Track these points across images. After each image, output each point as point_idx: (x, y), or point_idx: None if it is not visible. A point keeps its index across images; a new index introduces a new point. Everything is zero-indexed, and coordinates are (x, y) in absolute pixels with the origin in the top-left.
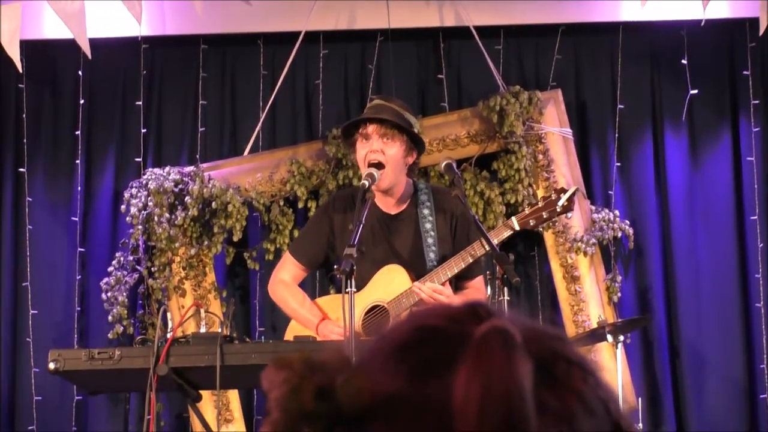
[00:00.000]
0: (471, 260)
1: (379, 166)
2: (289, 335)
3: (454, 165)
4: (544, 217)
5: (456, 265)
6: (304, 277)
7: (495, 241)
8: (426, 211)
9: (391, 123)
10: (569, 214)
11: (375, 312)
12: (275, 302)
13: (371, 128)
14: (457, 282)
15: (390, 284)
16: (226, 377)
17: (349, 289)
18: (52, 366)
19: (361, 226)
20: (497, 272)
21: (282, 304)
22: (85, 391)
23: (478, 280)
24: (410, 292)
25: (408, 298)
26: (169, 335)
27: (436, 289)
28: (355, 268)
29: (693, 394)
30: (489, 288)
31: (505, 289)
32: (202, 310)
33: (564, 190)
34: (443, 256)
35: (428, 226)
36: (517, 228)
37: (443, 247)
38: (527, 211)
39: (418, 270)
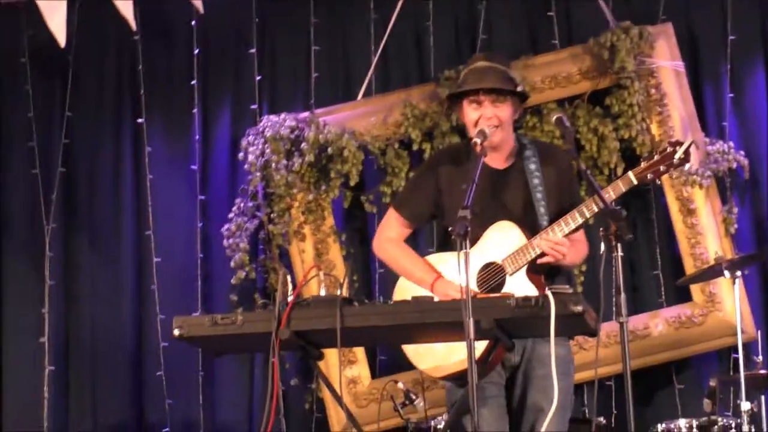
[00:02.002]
0: (587, 216)
1: None
2: (397, 294)
3: (565, 119)
4: (662, 170)
5: (573, 220)
6: (408, 234)
7: (613, 196)
8: (533, 166)
9: (502, 90)
10: (687, 166)
11: (489, 269)
12: (383, 260)
13: (483, 96)
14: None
15: (503, 241)
16: (346, 337)
17: (465, 251)
18: (176, 332)
19: (474, 185)
20: (610, 228)
21: (392, 263)
22: (210, 353)
23: (580, 233)
24: (526, 248)
25: (525, 254)
26: (290, 299)
27: (557, 242)
28: (469, 229)
29: None
30: (603, 244)
31: (618, 245)
32: (321, 273)
33: (680, 143)
34: (552, 210)
35: (536, 181)
36: (635, 183)
37: (552, 201)
38: (644, 165)
39: (529, 225)
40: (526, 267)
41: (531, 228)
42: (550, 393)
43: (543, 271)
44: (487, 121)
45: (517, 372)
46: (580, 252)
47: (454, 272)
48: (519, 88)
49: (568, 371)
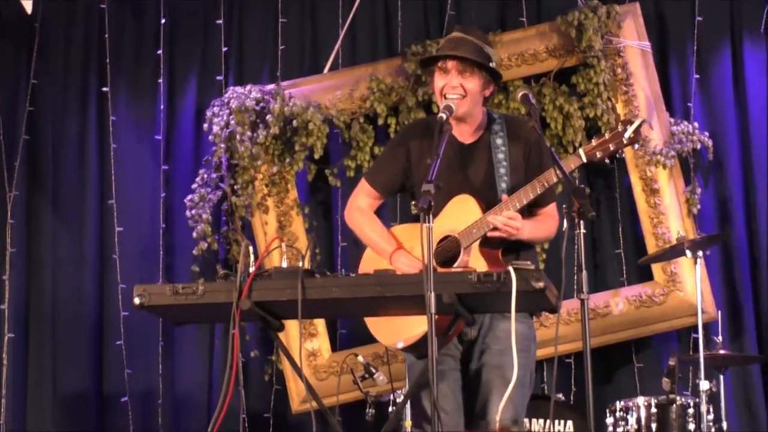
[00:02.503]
0: (543, 189)
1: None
2: (364, 264)
3: (531, 96)
4: (611, 149)
5: (529, 193)
6: (379, 204)
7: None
8: (499, 141)
9: (470, 61)
10: (636, 146)
11: (446, 241)
12: (351, 228)
13: (450, 64)
14: (530, 209)
15: (461, 214)
16: (307, 309)
17: (428, 225)
18: (137, 301)
19: (439, 160)
20: (573, 206)
21: (358, 231)
22: (170, 323)
23: (551, 207)
24: (481, 222)
25: (479, 229)
26: (251, 270)
27: (510, 217)
28: (432, 204)
29: None
30: (566, 221)
31: (581, 222)
32: (283, 244)
33: (630, 121)
34: (515, 185)
35: (501, 156)
36: (584, 160)
37: (515, 176)
38: (594, 143)
39: (489, 200)
40: (479, 241)
41: (490, 203)
42: (506, 369)
43: (499, 246)
44: (452, 90)
45: (474, 346)
46: (546, 227)
47: (419, 244)
48: (491, 64)
49: (527, 348)
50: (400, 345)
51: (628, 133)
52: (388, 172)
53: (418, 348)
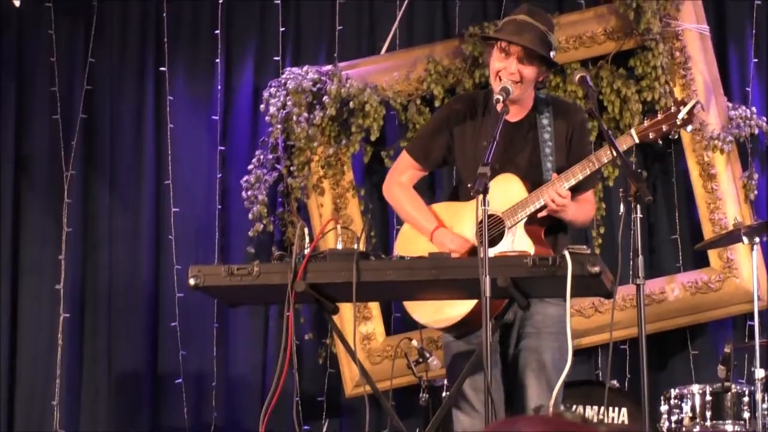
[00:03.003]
0: (594, 168)
1: None
2: (401, 240)
3: (588, 79)
4: (664, 130)
5: (579, 172)
6: (419, 179)
7: (613, 153)
8: (545, 121)
9: (533, 51)
10: (689, 128)
11: (490, 220)
12: (389, 202)
13: (512, 48)
14: (573, 192)
15: (505, 193)
16: (362, 292)
17: (485, 208)
18: (192, 282)
19: (495, 143)
20: (630, 189)
21: (397, 207)
22: (225, 304)
23: (590, 194)
24: (526, 202)
25: (523, 209)
26: (306, 251)
27: (559, 192)
28: (489, 186)
29: None
30: (622, 205)
31: (638, 206)
32: (338, 226)
33: (684, 103)
34: (560, 166)
35: (546, 135)
36: (636, 141)
37: (560, 157)
38: (647, 123)
39: (534, 179)
40: (524, 221)
41: (535, 182)
42: (543, 353)
43: (543, 227)
44: (509, 75)
45: (511, 330)
46: (585, 211)
47: (460, 223)
48: (552, 54)
49: (565, 330)
50: (441, 325)
51: (682, 114)
52: (430, 144)
53: (458, 328)
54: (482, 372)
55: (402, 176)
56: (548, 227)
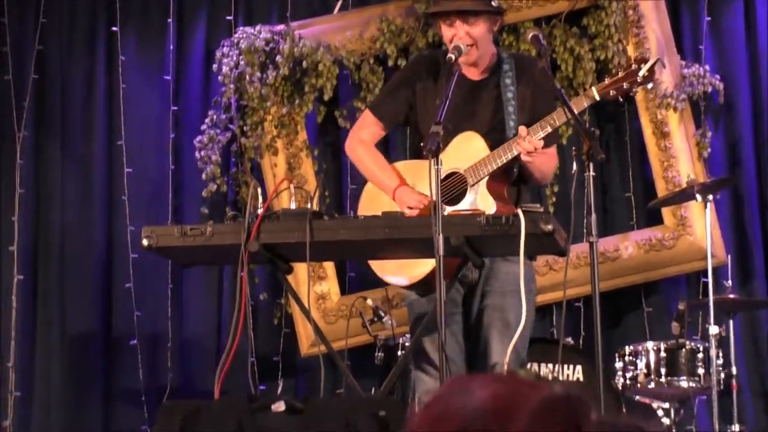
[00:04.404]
0: (550, 129)
1: None
2: (364, 199)
3: (541, 37)
4: (625, 87)
5: (539, 131)
6: (381, 137)
7: (576, 110)
8: (508, 81)
9: (472, 11)
10: (650, 85)
11: (452, 179)
12: (352, 161)
13: (454, 16)
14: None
15: (467, 151)
16: (315, 252)
17: (437, 167)
18: (145, 242)
19: (447, 101)
20: (583, 148)
21: (359, 165)
22: (179, 264)
23: (553, 149)
24: (488, 159)
25: (486, 166)
26: (259, 212)
27: (532, 143)
28: (441, 146)
29: None
30: (575, 164)
31: (591, 164)
32: (292, 186)
33: (645, 60)
34: (522, 124)
35: (509, 95)
36: (597, 98)
37: (523, 116)
38: (607, 81)
39: (496, 137)
40: (486, 179)
41: (497, 140)
42: (507, 312)
43: (505, 183)
44: (460, 40)
45: (475, 289)
46: (550, 164)
47: (422, 180)
48: (494, 2)
49: (530, 290)
50: (404, 283)
51: (643, 72)
52: (393, 102)
53: (421, 286)
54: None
55: (364, 134)
56: (512, 185)
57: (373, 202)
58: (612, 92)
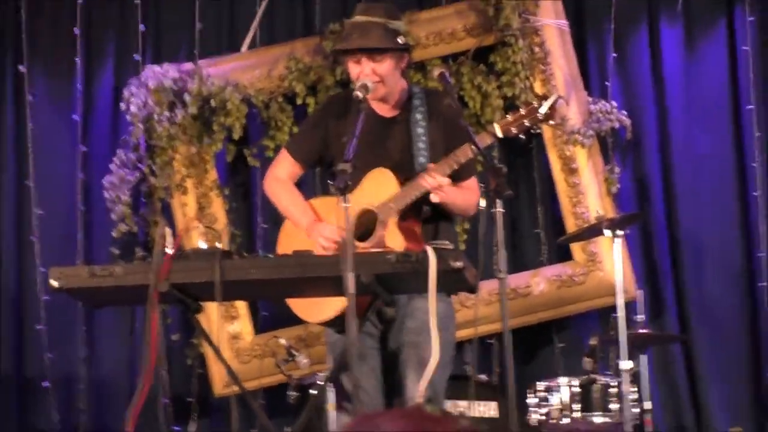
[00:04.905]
0: (456, 166)
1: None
2: (283, 236)
3: (447, 74)
4: (526, 124)
5: (445, 169)
6: (299, 175)
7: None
8: (419, 116)
9: (376, 49)
10: (552, 122)
11: (364, 217)
12: (269, 198)
13: (359, 54)
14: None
15: (379, 188)
16: (226, 291)
17: (345, 205)
18: (54, 283)
19: (355, 139)
20: (490, 184)
21: (275, 201)
22: (89, 305)
23: (471, 181)
24: (398, 195)
25: (396, 202)
26: (169, 251)
27: (439, 182)
28: (350, 183)
29: (693, 284)
30: (483, 200)
31: (498, 201)
32: (201, 225)
33: (546, 97)
34: (433, 161)
35: (420, 131)
36: (500, 135)
37: (434, 151)
38: (510, 118)
39: (407, 174)
40: (396, 216)
41: (408, 177)
42: (423, 348)
43: (417, 221)
44: (367, 77)
45: (392, 326)
46: (466, 196)
47: (336, 218)
48: (400, 40)
49: (446, 327)
50: (319, 320)
51: (544, 109)
52: (308, 142)
53: (337, 323)
54: (358, 369)
55: (280, 171)
56: (427, 220)
57: (291, 239)
58: (514, 129)
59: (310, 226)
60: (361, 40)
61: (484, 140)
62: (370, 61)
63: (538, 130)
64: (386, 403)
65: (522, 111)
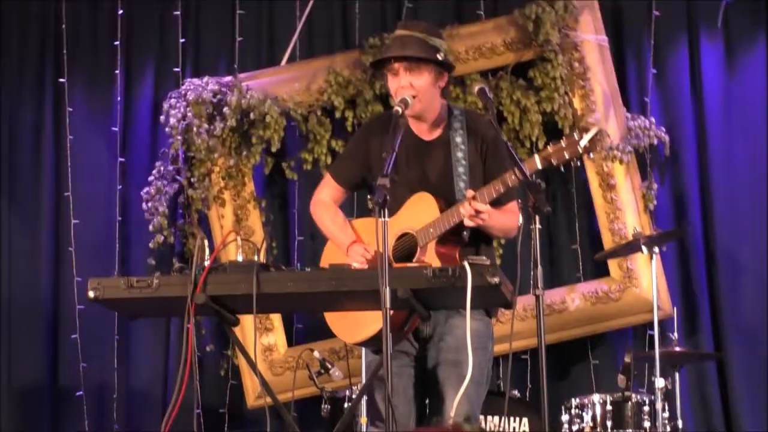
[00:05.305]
0: (503, 189)
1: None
2: (325, 256)
3: (487, 90)
4: (566, 156)
5: (488, 195)
6: (344, 198)
7: (519, 177)
8: (459, 139)
9: (414, 58)
10: (591, 155)
11: (403, 239)
12: (315, 221)
13: (397, 64)
14: (492, 206)
15: (420, 212)
16: (262, 303)
17: (383, 219)
18: (91, 294)
19: (395, 154)
20: (529, 200)
21: (319, 223)
22: (125, 316)
23: (512, 205)
24: (437, 221)
25: (435, 228)
26: (206, 263)
27: (475, 207)
28: (388, 198)
29: (728, 302)
30: (521, 216)
31: (537, 217)
32: (239, 238)
33: (587, 130)
34: (474, 184)
35: (460, 154)
36: (539, 166)
37: (474, 175)
38: (550, 149)
39: (447, 198)
40: (435, 241)
41: (448, 201)
42: (462, 367)
43: (457, 246)
44: (403, 90)
45: (430, 344)
46: (509, 220)
47: (373, 237)
48: (440, 55)
49: (484, 346)
50: (357, 340)
51: (584, 142)
52: (350, 165)
53: (374, 343)
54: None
55: (323, 194)
56: (467, 243)
57: (333, 259)
58: (554, 161)
59: (350, 246)
60: (399, 50)
61: (524, 170)
62: (407, 73)
63: (579, 162)
64: (424, 421)
65: (563, 143)
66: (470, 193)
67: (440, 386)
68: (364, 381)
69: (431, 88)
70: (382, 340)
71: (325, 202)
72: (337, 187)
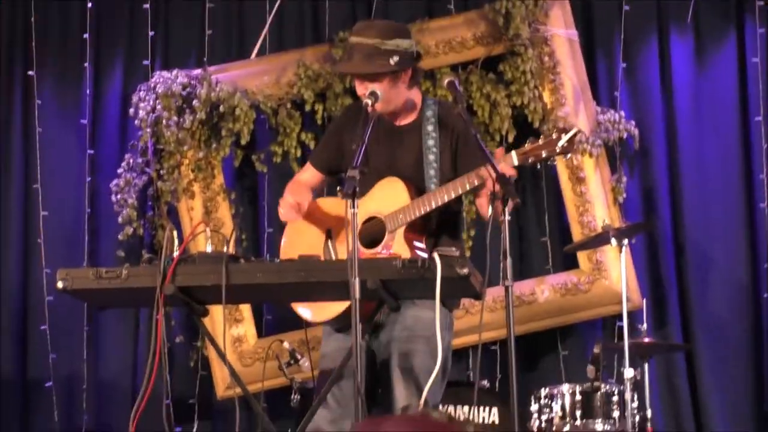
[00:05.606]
0: (477, 184)
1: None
2: (285, 243)
3: (457, 83)
4: (543, 156)
5: (461, 186)
6: (321, 182)
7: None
8: (430, 127)
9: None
10: (568, 155)
11: (371, 223)
12: None
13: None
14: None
15: (389, 197)
16: (231, 294)
17: (353, 210)
18: (60, 285)
19: (364, 146)
20: (497, 192)
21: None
22: (94, 307)
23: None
24: (407, 208)
25: (405, 214)
26: (175, 254)
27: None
28: (357, 189)
29: (697, 295)
30: (490, 208)
31: (506, 209)
32: (208, 229)
33: (565, 131)
34: (443, 173)
35: (431, 142)
36: (516, 164)
37: (444, 163)
38: (527, 147)
39: (417, 185)
40: (404, 227)
41: (418, 188)
42: (412, 356)
43: (423, 233)
44: (366, 98)
45: (381, 332)
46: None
47: (341, 220)
48: (393, 60)
49: (442, 336)
50: (323, 319)
51: (562, 142)
52: (326, 151)
53: (339, 321)
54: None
55: (301, 177)
56: (433, 231)
57: (293, 245)
58: (531, 159)
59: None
60: (348, 65)
61: (499, 166)
62: (365, 80)
63: (555, 162)
64: (372, 408)
65: (540, 141)
66: (500, 152)
67: (389, 374)
68: (318, 368)
69: (392, 89)
70: (344, 319)
71: (297, 180)
72: (313, 171)
